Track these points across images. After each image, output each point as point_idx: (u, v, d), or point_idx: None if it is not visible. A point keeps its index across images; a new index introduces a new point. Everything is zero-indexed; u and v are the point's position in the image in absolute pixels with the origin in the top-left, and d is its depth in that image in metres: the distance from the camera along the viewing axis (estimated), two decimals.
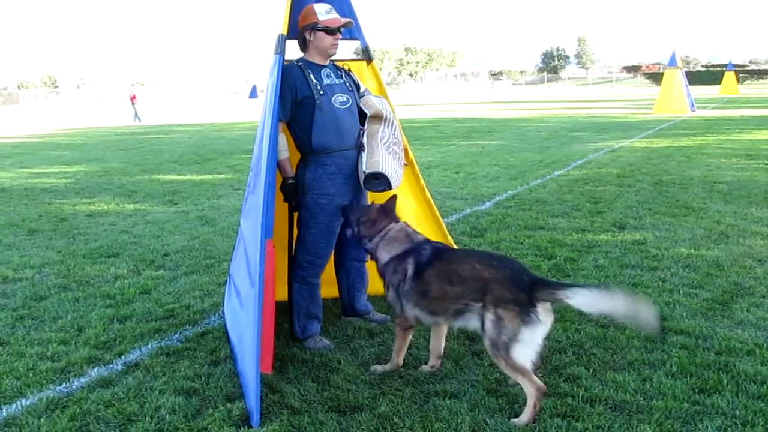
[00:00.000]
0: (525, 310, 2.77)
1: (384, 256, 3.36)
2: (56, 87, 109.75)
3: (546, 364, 3.38)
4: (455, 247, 4.34)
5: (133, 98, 33.20)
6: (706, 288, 4.49)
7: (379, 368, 3.38)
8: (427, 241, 3.38)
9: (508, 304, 2.80)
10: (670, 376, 3.22)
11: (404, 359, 3.45)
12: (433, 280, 3.11)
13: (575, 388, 3.10)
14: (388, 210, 3.47)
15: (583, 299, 2.71)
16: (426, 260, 3.19)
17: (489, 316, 2.86)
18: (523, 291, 2.80)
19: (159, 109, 43.89)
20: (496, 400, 3.02)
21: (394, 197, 3.53)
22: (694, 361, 3.37)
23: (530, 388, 2.81)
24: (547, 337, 2.92)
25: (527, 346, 2.79)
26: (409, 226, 3.47)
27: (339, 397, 3.12)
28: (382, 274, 3.39)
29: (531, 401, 2.81)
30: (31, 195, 9.47)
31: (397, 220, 3.46)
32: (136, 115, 31.75)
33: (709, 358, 3.41)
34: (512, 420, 2.84)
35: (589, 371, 3.29)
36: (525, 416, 2.81)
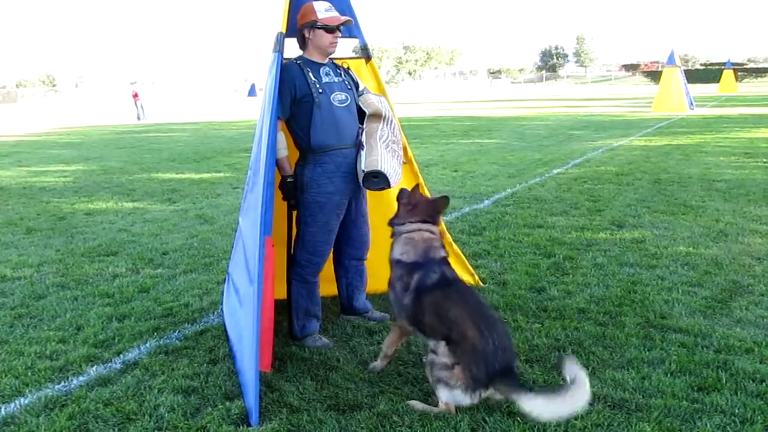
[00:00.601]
0: (475, 385, 2.82)
1: (396, 252, 3.27)
2: (54, 86, 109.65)
3: (545, 362, 3.40)
4: (454, 246, 4.35)
5: (135, 96, 33.17)
6: (705, 286, 4.50)
7: (378, 365, 3.37)
8: (439, 262, 3.19)
9: (466, 371, 2.83)
10: (669, 375, 3.22)
11: (404, 358, 3.45)
12: (427, 309, 3.06)
13: None
14: (433, 207, 3.34)
15: (536, 407, 2.66)
16: (430, 285, 3.10)
17: (445, 358, 2.88)
18: (487, 372, 2.81)
19: (158, 108, 43.81)
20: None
21: (445, 198, 3.40)
22: (693, 359, 3.37)
23: (442, 406, 2.93)
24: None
25: (453, 397, 2.87)
26: (439, 235, 3.32)
27: (338, 396, 3.12)
28: (391, 266, 3.30)
29: (435, 409, 2.92)
30: (29, 194, 9.45)
31: (435, 221, 3.31)
32: (138, 114, 31.70)
33: (708, 356, 3.41)
34: (411, 401, 3.01)
35: (588, 369, 3.28)
36: (420, 406, 2.97)
